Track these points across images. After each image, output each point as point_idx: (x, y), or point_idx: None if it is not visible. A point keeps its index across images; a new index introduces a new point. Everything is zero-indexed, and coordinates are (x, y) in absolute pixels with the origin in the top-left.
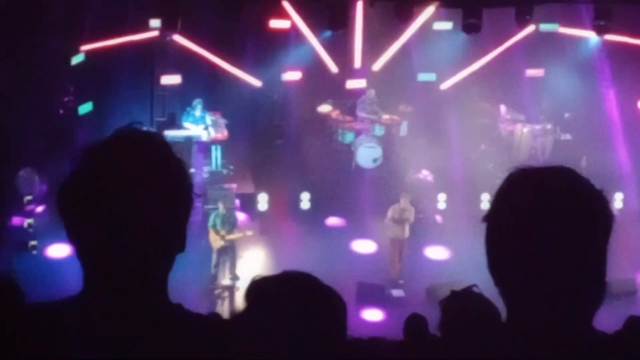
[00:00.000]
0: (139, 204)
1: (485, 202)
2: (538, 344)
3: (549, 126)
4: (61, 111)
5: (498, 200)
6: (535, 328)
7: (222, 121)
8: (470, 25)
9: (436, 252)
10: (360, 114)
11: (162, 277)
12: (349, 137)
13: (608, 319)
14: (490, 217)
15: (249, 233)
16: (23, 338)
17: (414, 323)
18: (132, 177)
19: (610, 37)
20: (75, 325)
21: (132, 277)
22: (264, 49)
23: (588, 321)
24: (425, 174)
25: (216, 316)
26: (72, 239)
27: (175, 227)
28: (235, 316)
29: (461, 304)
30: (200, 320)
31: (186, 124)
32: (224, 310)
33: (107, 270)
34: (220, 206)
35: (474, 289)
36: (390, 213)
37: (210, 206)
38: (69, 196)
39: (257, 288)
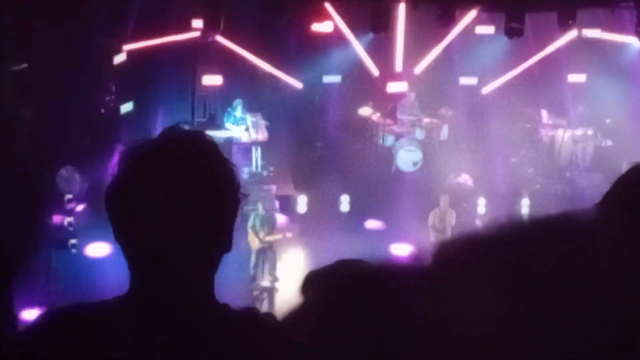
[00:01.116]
0: (188, 205)
1: (525, 207)
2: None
3: (590, 132)
4: (103, 110)
5: (616, 190)
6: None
7: (263, 122)
8: (513, 29)
9: None
10: (401, 117)
11: (209, 277)
12: (389, 140)
13: None
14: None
15: (289, 235)
16: (69, 339)
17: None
18: (181, 178)
19: None
20: (122, 326)
21: (180, 278)
22: (305, 51)
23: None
24: (465, 178)
25: (268, 315)
26: (119, 240)
27: (223, 227)
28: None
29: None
30: (251, 319)
31: (227, 125)
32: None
33: (154, 271)
34: (260, 207)
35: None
36: (430, 220)
37: (250, 207)
38: (117, 197)
39: (312, 280)
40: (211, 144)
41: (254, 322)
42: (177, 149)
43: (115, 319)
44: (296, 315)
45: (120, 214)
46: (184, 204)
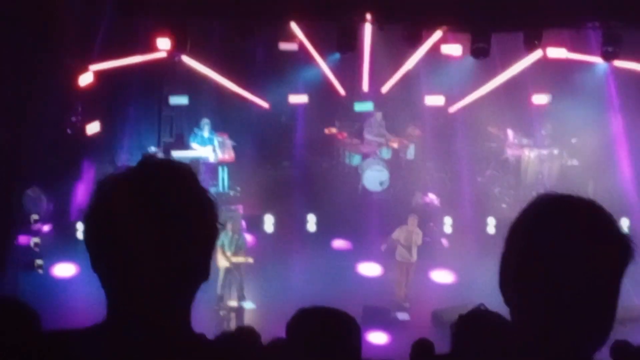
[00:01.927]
0: (166, 236)
1: (491, 226)
2: None
3: (555, 151)
4: (69, 130)
5: (520, 223)
6: (538, 354)
7: (229, 142)
8: (479, 49)
9: (442, 276)
10: (368, 136)
11: (187, 307)
12: (356, 160)
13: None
14: (510, 238)
15: (250, 260)
16: None
17: (422, 348)
18: (159, 208)
19: (619, 63)
20: (98, 355)
21: (158, 308)
22: (272, 71)
23: (591, 354)
24: (432, 198)
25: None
26: (97, 268)
27: (201, 257)
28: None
29: (473, 324)
30: (225, 351)
31: (193, 145)
32: None
33: (132, 301)
34: (229, 227)
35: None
36: (396, 234)
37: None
38: (95, 227)
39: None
40: (190, 173)
41: (225, 353)
42: (155, 179)
43: (91, 348)
44: (281, 350)
45: (98, 244)
46: (163, 234)
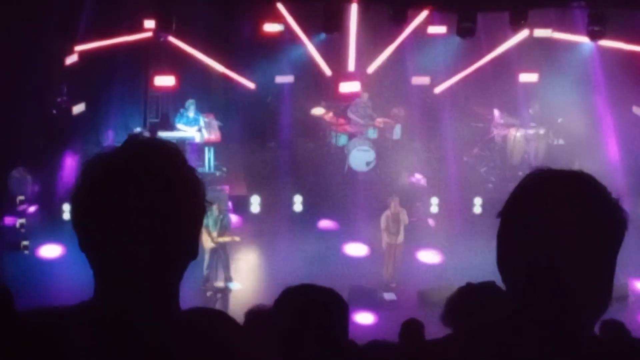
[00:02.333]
0: (154, 214)
1: (477, 206)
2: (539, 344)
3: (542, 131)
4: (54, 111)
5: (516, 198)
6: (538, 328)
7: (215, 123)
8: (465, 29)
9: (428, 256)
10: (354, 117)
11: (175, 285)
12: (342, 140)
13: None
14: (506, 214)
15: (237, 239)
16: (29, 345)
17: (411, 327)
18: (146, 187)
19: (605, 42)
20: (86, 333)
21: (146, 287)
22: (258, 51)
23: (591, 327)
24: (418, 178)
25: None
26: (84, 249)
27: (189, 235)
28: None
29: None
30: (215, 327)
31: (179, 126)
32: None
33: (120, 280)
34: (214, 207)
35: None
36: (383, 224)
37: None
38: (82, 207)
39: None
40: (176, 152)
41: (219, 329)
42: (142, 158)
43: (79, 325)
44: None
45: (85, 224)
46: (150, 213)
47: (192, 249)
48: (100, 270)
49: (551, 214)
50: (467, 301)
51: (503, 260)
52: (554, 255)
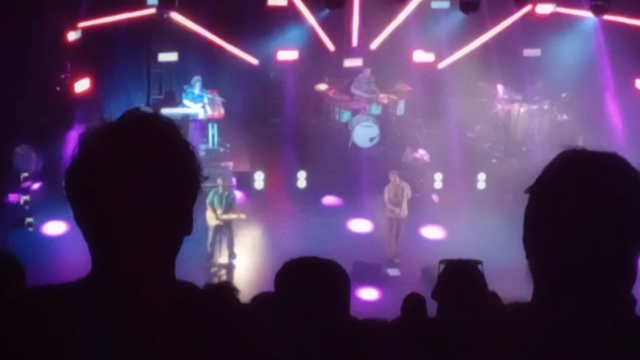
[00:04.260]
0: (148, 188)
1: (481, 181)
2: (565, 322)
3: (545, 106)
4: (58, 88)
5: (548, 176)
6: (564, 307)
7: (219, 99)
8: (468, 4)
9: (432, 232)
10: (357, 92)
11: (170, 259)
12: (345, 116)
13: None
14: (537, 191)
15: (243, 216)
16: (30, 323)
17: (413, 302)
18: (140, 161)
19: (608, 17)
20: (86, 308)
21: (141, 260)
22: (261, 27)
23: (617, 306)
24: (422, 154)
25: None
26: (79, 222)
27: (183, 209)
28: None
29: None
30: (215, 299)
31: (186, 102)
32: None
33: (115, 254)
34: (220, 183)
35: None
36: (385, 195)
37: (209, 184)
38: (77, 180)
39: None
40: (171, 126)
41: (219, 302)
42: (136, 132)
43: (77, 301)
44: (266, 300)
45: (80, 197)
46: (144, 187)
47: (186, 223)
48: (95, 245)
49: (584, 196)
50: (451, 278)
51: (530, 237)
52: (583, 236)
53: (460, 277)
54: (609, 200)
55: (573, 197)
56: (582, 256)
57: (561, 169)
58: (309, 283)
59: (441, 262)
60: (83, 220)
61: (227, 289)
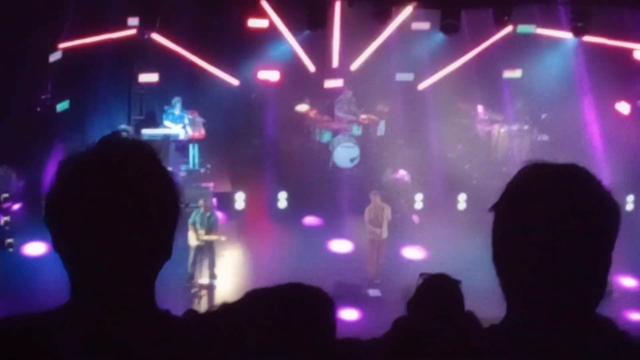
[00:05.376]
0: (127, 215)
1: (462, 202)
2: (536, 337)
3: (526, 127)
4: (39, 108)
5: (511, 192)
6: (534, 321)
7: (200, 120)
8: (449, 25)
9: (413, 252)
10: (338, 113)
11: (150, 286)
12: (326, 137)
13: None
14: (501, 207)
15: (223, 239)
16: (6, 354)
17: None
18: (119, 188)
19: (588, 38)
20: (63, 338)
21: (121, 287)
22: (242, 48)
23: (586, 317)
24: (403, 174)
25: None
26: (59, 249)
27: (163, 236)
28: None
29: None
30: (190, 327)
31: (167, 123)
32: (200, 309)
33: (94, 281)
34: (202, 204)
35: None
36: (366, 216)
37: (191, 205)
38: (56, 207)
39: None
40: (150, 153)
41: (194, 330)
42: (115, 159)
43: (55, 331)
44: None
45: (59, 224)
46: (123, 215)
47: (166, 249)
48: (73, 272)
49: (546, 208)
50: (429, 290)
51: (498, 254)
52: (549, 249)
53: (438, 289)
54: (572, 212)
55: (535, 210)
56: (547, 270)
57: (522, 184)
58: (295, 316)
59: (421, 275)
60: (62, 248)
61: (206, 319)
